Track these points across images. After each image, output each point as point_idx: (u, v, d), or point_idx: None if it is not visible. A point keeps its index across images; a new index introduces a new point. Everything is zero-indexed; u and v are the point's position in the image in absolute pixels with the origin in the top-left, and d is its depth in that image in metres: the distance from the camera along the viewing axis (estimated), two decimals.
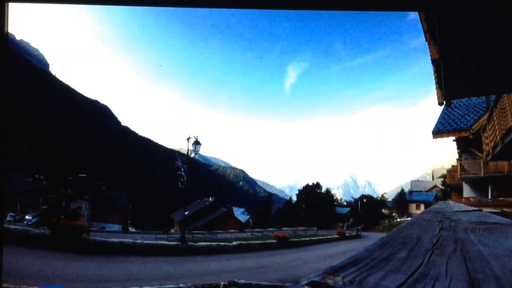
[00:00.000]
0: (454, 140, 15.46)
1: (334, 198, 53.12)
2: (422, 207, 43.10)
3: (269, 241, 17.53)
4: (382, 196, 58.00)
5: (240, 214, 47.49)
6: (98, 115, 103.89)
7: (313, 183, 52.62)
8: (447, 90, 3.52)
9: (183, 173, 15.56)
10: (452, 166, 19.38)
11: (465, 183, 15.98)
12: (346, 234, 27.95)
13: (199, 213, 39.63)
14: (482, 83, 3.47)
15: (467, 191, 16.00)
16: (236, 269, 10.21)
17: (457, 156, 15.97)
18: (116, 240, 11.72)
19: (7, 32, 1.18)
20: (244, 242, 16.27)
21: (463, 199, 15.37)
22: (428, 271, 0.41)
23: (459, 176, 15.50)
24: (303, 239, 21.27)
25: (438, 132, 15.10)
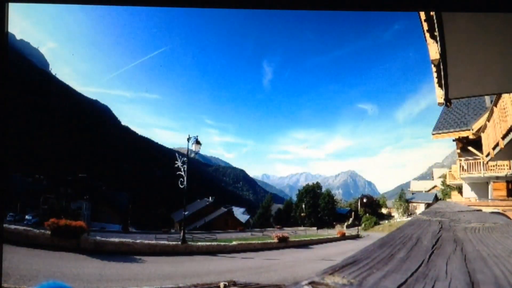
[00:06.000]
0: (454, 140, 15.46)
1: (334, 198, 53.08)
2: (422, 207, 43.09)
3: (269, 241, 17.52)
4: (382, 196, 58.04)
5: (240, 214, 47.51)
6: (98, 115, 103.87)
7: (313, 183, 52.66)
8: (447, 90, 3.52)
9: (183, 173, 15.54)
10: (452, 166, 19.40)
11: (465, 183, 15.98)
12: (346, 234, 27.92)
13: (199, 213, 39.65)
14: (482, 83, 3.47)
15: (467, 191, 16.00)
16: (236, 269, 10.21)
17: (457, 156, 15.96)
18: (116, 240, 11.71)
19: (7, 32, 1.18)
20: (244, 242, 16.27)
21: (463, 199, 15.39)
22: (428, 271, 0.41)
23: (459, 176, 15.50)
24: (303, 239, 21.28)
25: (438, 132, 15.10)
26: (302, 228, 39.63)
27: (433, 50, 3.01)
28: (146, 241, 12.42)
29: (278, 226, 40.43)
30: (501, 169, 13.42)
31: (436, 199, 41.11)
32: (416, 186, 57.74)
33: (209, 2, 1.19)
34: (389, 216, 48.78)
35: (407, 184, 68.09)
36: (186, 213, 16.11)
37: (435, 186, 50.67)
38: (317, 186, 51.91)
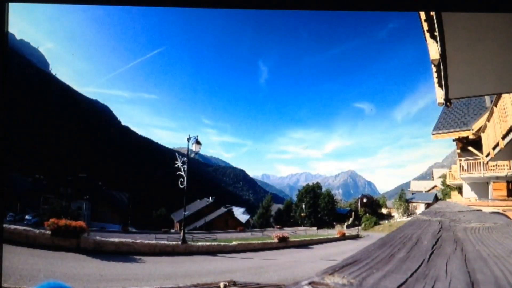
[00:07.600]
0: (454, 140, 15.46)
1: (334, 198, 53.06)
2: (422, 207, 43.09)
3: (269, 241, 17.53)
4: (382, 196, 58.08)
5: (240, 214, 47.53)
6: (98, 115, 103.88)
7: (313, 183, 52.64)
8: (447, 90, 3.52)
9: (183, 173, 15.54)
10: (452, 166, 19.39)
11: (465, 183, 15.98)
12: (346, 234, 27.91)
13: (199, 213, 39.67)
14: (482, 83, 3.47)
15: (467, 191, 16.00)
16: (236, 269, 10.21)
17: (457, 156, 15.96)
18: (116, 240, 11.71)
19: (7, 32, 1.18)
20: (244, 242, 16.27)
21: (463, 199, 15.38)
22: (428, 271, 0.41)
23: (459, 176, 15.50)
24: (303, 239, 21.28)
25: (438, 132, 15.09)
26: (302, 228, 39.63)
27: (433, 50, 3.01)
28: (146, 241, 12.41)
29: (278, 226, 40.43)
30: (501, 169, 13.41)
31: (436, 199, 41.10)
32: (416, 186, 57.77)
33: (208, 2, 1.19)
34: (389, 216, 48.77)
35: (407, 184, 68.13)
36: (186, 213, 16.11)
37: (435, 186, 50.69)
38: (317, 186, 51.87)
